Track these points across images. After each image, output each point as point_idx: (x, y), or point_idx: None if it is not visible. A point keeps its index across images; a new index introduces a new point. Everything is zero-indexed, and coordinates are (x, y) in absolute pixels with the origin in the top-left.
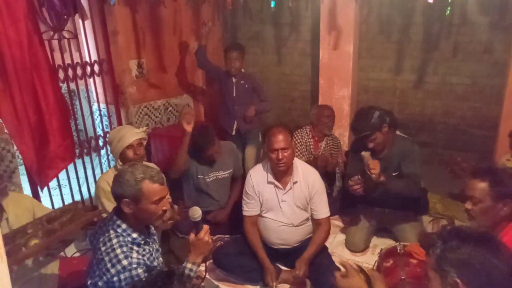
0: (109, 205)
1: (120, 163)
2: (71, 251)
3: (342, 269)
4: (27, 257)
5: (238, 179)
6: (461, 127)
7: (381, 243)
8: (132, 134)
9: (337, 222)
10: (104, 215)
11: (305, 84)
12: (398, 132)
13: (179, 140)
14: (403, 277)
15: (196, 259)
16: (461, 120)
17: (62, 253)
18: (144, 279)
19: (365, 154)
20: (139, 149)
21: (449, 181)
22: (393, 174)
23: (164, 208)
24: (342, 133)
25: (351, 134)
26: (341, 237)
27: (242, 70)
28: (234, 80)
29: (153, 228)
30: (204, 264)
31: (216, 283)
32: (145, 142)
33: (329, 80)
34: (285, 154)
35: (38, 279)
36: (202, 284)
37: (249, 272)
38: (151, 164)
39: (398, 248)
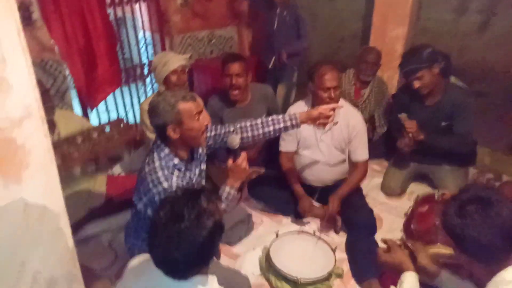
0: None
1: (163, 87)
2: (117, 170)
3: (375, 209)
4: (75, 163)
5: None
6: None
7: (418, 190)
8: (177, 60)
9: (375, 167)
10: (151, 135)
11: (357, 21)
12: (453, 79)
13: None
14: (437, 222)
15: (234, 184)
16: None
17: (110, 172)
18: (172, 194)
19: (402, 116)
20: (183, 76)
21: (503, 135)
22: (442, 124)
23: (206, 122)
24: (392, 75)
25: (401, 77)
26: (378, 181)
27: None
28: (278, 11)
29: (200, 150)
30: (239, 192)
31: (250, 210)
32: (187, 70)
33: (384, 17)
34: (337, 93)
35: (87, 194)
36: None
37: (282, 204)
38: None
39: (436, 195)
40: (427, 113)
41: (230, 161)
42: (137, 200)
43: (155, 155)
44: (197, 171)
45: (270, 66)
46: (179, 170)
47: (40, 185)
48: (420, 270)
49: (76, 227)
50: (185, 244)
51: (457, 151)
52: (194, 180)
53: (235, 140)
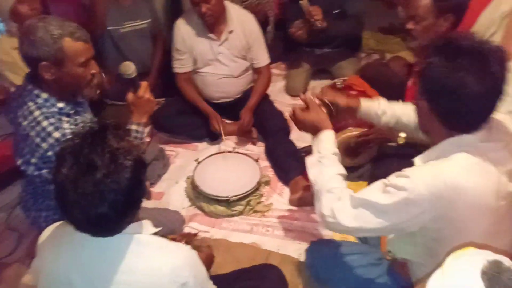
0: (16, 77)
1: (15, 24)
2: None
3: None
4: None
5: (160, 36)
6: None
7: (319, 84)
8: None
9: (275, 71)
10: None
11: None
12: None
13: None
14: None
15: (140, 119)
16: None
17: None
18: (68, 143)
19: (303, 2)
20: (35, 4)
21: (379, 16)
22: (334, 12)
23: (93, 71)
24: None
25: None
26: (280, 84)
27: None
28: None
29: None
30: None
31: (160, 145)
32: None
33: None
34: (208, 6)
35: None
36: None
37: (193, 130)
38: None
39: (338, 83)
40: (320, 2)
41: (130, 95)
42: (25, 164)
43: (31, 104)
44: (88, 116)
45: None
46: (68, 115)
47: None
48: (345, 111)
49: None
50: (109, 195)
51: (352, 35)
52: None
53: (130, 68)
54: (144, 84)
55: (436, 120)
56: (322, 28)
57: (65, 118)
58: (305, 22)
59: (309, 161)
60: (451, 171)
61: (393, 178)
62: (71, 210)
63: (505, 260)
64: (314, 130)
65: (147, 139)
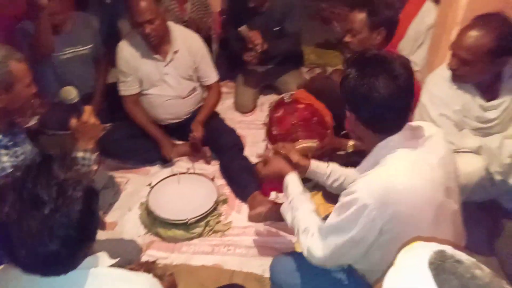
0: None
1: None
2: None
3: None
4: None
5: (102, 61)
6: None
7: (267, 100)
8: None
9: (223, 89)
10: None
11: None
12: None
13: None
14: (294, 122)
15: (87, 146)
16: None
17: None
18: (9, 179)
19: (242, 29)
20: None
21: (318, 32)
22: (275, 29)
23: (34, 90)
24: None
25: None
26: (229, 102)
27: None
28: None
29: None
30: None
31: (110, 173)
32: None
33: None
34: (152, 27)
35: None
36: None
37: (143, 153)
38: None
39: (285, 98)
40: (260, 21)
41: (73, 121)
42: None
43: None
44: (28, 147)
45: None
46: (6, 147)
47: None
48: (295, 167)
49: None
50: (59, 230)
51: (292, 51)
52: (29, 157)
53: (71, 92)
54: (88, 108)
55: (363, 127)
56: (263, 50)
57: (3, 151)
58: (247, 46)
59: (283, 207)
60: (388, 175)
61: (342, 198)
62: (17, 252)
63: (448, 249)
64: (279, 178)
65: (95, 167)
